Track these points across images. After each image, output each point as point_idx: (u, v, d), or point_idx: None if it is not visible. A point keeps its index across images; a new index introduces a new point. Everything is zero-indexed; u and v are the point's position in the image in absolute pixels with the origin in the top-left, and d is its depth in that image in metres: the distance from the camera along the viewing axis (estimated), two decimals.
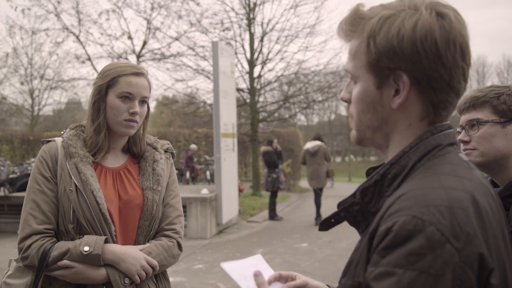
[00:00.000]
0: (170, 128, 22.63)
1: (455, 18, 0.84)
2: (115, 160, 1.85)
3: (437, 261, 0.73)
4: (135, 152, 1.89)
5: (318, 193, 9.99)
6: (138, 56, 20.86)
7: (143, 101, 1.81)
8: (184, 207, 8.37)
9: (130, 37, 18.67)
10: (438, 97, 0.86)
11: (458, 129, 1.54)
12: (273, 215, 10.53)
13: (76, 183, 1.69)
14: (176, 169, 14.51)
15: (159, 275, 1.84)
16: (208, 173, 15.95)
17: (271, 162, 10.44)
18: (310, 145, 10.14)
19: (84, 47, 18.83)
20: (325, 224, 0.99)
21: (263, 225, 9.97)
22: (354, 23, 0.90)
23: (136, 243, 1.78)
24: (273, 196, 10.60)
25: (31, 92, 32.62)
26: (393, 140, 0.92)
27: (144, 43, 18.63)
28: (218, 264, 4.81)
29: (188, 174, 15.97)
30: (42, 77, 30.92)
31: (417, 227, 0.74)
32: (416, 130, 0.89)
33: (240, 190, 11.04)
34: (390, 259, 0.75)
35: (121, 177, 1.81)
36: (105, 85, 1.77)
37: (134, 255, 1.69)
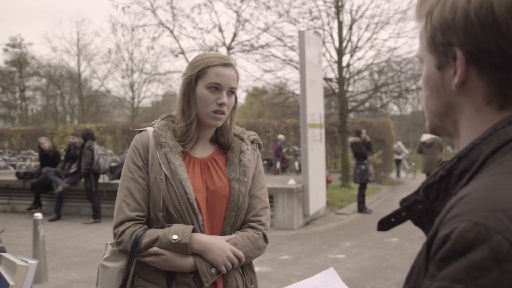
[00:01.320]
0: (260, 119, 22.91)
1: None
2: (203, 151, 1.86)
3: (504, 277, 0.59)
4: (222, 143, 1.89)
5: None
6: (228, 48, 21.29)
7: (231, 92, 1.81)
8: (271, 197, 8.50)
9: (220, 30, 19.09)
10: (502, 75, 0.74)
11: None
12: (362, 208, 10.28)
13: (166, 172, 1.72)
14: (266, 159, 14.73)
15: (245, 266, 1.84)
16: (296, 163, 15.94)
17: (360, 153, 10.17)
18: (426, 137, 10.98)
19: (178, 41, 19.54)
20: (384, 224, 0.89)
21: (351, 218, 9.77)
22: (421, 4, 0.82)
23: (222, 233, 1.79)
24: (362, 188, 10.33)
25: (131, 85, 34.69)
26: (462, 128, 0.81)
27: (234, 35, 18.96)
28: (304, 256, 4.79)
29: (278, 164, 16.06)
30: (141, 71, 32.75)
31: (479, 236, 0.61)
32: (485, 116, 0.77)
33: (328, 181, 10.90)
34: (447, 273, 0.63)
35: (208, 168, 1.83)
36: (195, 76, 1.78)
37: (220, 246, 1.70)
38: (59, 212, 9.69)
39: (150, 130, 1.84)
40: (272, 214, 8.55)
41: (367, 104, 18.48)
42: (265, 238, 1.83)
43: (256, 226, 1.82)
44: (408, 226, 0.87)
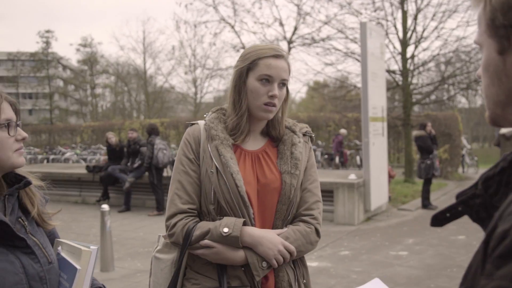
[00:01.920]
0: (321, 113, 22.70)
1: None
2: (254, 143, 1.85)
3: None
4: (273, 135, 1.87)
5: None
6: (289, 42, 21.21)
7: (283, 83, 1.78)
8: (331, 192, 8.41)
9: (281, 24, 19.06)
10: None
11: None
12: (426, 204, 9.93)
13: (217, 165, 1.71)
14: (327, 154, 14.56)
15: (297, 261, 1.82)
16: (358, 158, 15.65)
17: (425, 147, 9.80)
18: (506, 130, 10.22)
19: (239, 37, 19.76)
20: (439, 219, 0.84)
21: (415, 214, 9.47)
22: None
23: (274, 227, 1.77)
24: (427, 183, 9.97)
25: (194, 81, 35.48)
26: None
27: (295, 28, 18.87)
28: (365, 252, 4.69)
29: (337, 159, 15.86)
30: (203, 66, 33.40)
31: None
32: None
33: (391, 176, 10.61)
34: (506, 271, 0.58)
35: (259, 160, 1.81)
36: (246, 68, 1.77)
37: (272, 239, 1.68)
38: (129, 205, 10.09)
39: (201, 123, 1.85)
40: (332, 209, 8.46)
41: (432, 97, 17.82)
42: (317, 232, 1.79)
43: (308, 220, 1.79)
44: (476, 224, 0.81)
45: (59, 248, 1.50)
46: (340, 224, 8.29)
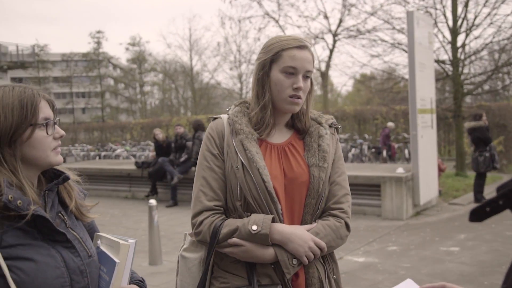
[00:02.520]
0: (367, 106, 22.29)
1: None
2: (280, 136, 1.80)
3: None
4: (299, 128, 1.82)
5: None
6: (334, 34, 20.96)
7: (307, 75, 1.73)
8: (378, 186, 8.24)
9: (326, 17, 18.89)
10: None
11: None
12: (479, 198, 9.54)
13: (243, 160, 1.66)
14: (374, 147, 14.26)
15: (327, 256, 1.77)
16: (406, 151, 15.27)
17: (484, 138, 9.31)
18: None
19: (283, 31, 19.67)
20: (478, 214, 0.78)
21: (467, 208, 9.12)
22: None
23: (303, 222, 1.71)
24: (481, 177, 9.56)
25: (239, 77, 35.70)
26: None
27: (340, 21, 18.65)
28: (414, 247, 4.55)
29: (385, 153, 15.54)
30: (248, 62, 33.54)
31: None
32: None
33: (441, 170, 10.28)
34: None
35: (286, 154, 1.75)
36: (269, 60, 1.72)
37: (302, 236, 1.63)
38: (176, 200, 10.28)
39: (224, 117, 1.79)
40: (379, 204, 8.29)
41: (486, 87, 17.12)
42: (347, 226, 1.74)
43: (337, 214, 1.73)
44: None
45: (99, 241, 1.52)
46: (388, 219, 8.11)
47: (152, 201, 6.11)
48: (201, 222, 1.68)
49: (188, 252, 1.79)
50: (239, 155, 1.67)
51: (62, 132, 1.43)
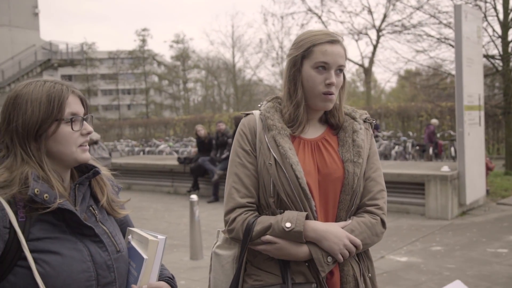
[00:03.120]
0: (412, 103, 21.77)
1: None
2: (313, 131, 1.77)
3: None
4: (333, 123, 1.79)
5: None
6: (378, 30, 20.58)
7: (339, 70, 1.69)
8: (422, 184, 8.05)
9: (370, 12, 18.59)
10: None
11: None
12: None
13: (275, 156, 1.64)
14: (418, 145, 13.89)
15: (362, 254, 1.73)
16: (452, 149, 14.83)
17: None
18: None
19: (326, 27, 19.48)
20: None
21: None
22: None
23: (337, 219, 1.68)
24: None
25: (281, 73, 35.61)
26: None
27: (384, 16, 18.30)
28: (459, 248, 4.40)
29: (431, 150, 15.14)
30: None
31: None
32: None
33: (489, 169, 9.92)
34: None
35: (319, 149, 1.72)
36: (300, 56, 1.69)
37: (336, 233, 1.60)
38: (217, 195, 10.38)
39: (256, 113, 1.78)
40: (423, 202, 8.09)
41: None
42: (383, 223, 1.69)
43: (373, 210, 1.69)
44: None
45: (130, 236, 1.51)
46: (432, 218, 7.91)
47: (194, 197, 6.19)
48: (234, 219, 1.66)
49: (221, 249, 1.78)
50: (271, 151, 1.65)
51: (90, 129, 1.42)
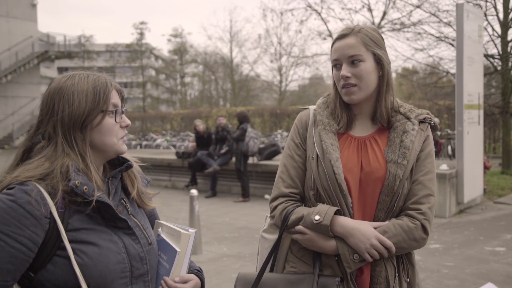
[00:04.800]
0: (409, 101, 21.80)
1: None
2: (362, 129, 1.77)
3: None
4: (379, 118, 1.77)
5: None
6: (378, 27, 20.52)
7: (354, 60, 1.68)
8: None
9: (369, 9, 18.54)
10: None
11: None
12: None
13: (318, 151, 1.70)
14: None
15: (402, 258, 1.71)
16: (449, 147, 14.87)
17: None
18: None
19: (325, 23, 19.54)
20: None
21: None
22: None
23: (375, 219, 1.67)
24: None
25: (279, 69, 35.62)
26: None
27: (384, 13, 18.25)
28: (457, 246, 4.43)
29: None
30: (289, 54, 33.40)
31: None
32: None
33: (486, 168, 9.98)
34: None
35: (365, 147, 1.73)
36: (332, 61, 1.78)
37: (365, 232, 1.59)
38: (215, 190, 10.39)
39: (311, 108, 1.85)
40: None
41: None
42: (423, 228, 1.63)
43: (413, 214, 1.64)
44: None
45: (159, 229, 1.54)
46: None
47: (194, 191, 6.20)
48: (276, 207, 1.75)
49: (267, 233, 1.87)
50: (315, 145, 1.71)
51: (128, 122, 1.47)
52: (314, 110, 1.81)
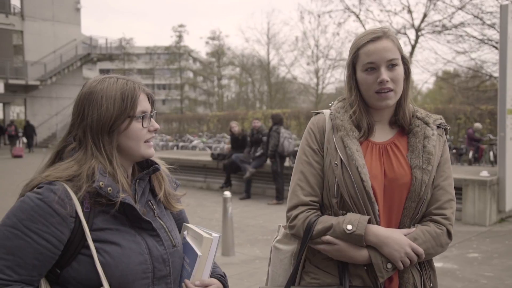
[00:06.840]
0: (449, 105, 21.29)
1: None
2: (382, 134, 1.73)
3: None
4: (401, 123, 1.73)
5: None
6: (417, 30, 20.16)
7: (392, 64, 1.64)
8: (459, 189, 7.83)
9: (409, 11, 18.23)
10: None
11: None
12: None
13: (342, 157, 1.63)
14: (455, 148, 13.47)
15: (424, 263, 1.69)
16: (491, 153, 14.42)
17: None
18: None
19: (363, 26, 19.26)
20: None
21: None
22: None
23: (401, 225, 1.65)
24: None
25: (316, 72, 35.42)
26: None
27: (424, 15, 17.91)
28: (497, 256, 4.28)
29: (471, 154, 14.75)
30: (326, 57, 33.16)
31: None
32: None
33: None
34: None
35: (388, 153, 1.69)
36: (351, 62, 1.70)
37: (398, 240, 1.57)
38: (249, 193, 10.41)
39: (327, 112, 1.77)
40: (460, 207, 7.89)
41: None
42: (449, 234, 1.63)
43: (439, 220, 1.63)
44: None
45: (185, 232, 1.55)
46: (469, 224, 7.71)
47: (227, 193, 6.22)
48: (296, 216, 1.67)
49: (281, 243, 1.80)
50: (338, 151, 1.65)
51: (157, 126, 1.49)
52: (331, 114, 1.73)
